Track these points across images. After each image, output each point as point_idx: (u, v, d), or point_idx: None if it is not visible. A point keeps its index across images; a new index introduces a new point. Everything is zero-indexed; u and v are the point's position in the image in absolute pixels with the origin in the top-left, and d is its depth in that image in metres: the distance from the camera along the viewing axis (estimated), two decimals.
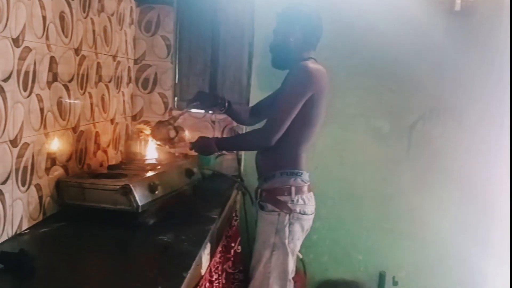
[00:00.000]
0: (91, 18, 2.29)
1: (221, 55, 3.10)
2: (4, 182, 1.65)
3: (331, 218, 3.06)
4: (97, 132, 2.45)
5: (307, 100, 2.10)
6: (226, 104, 2.42)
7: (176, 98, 3.10)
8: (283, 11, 2.24)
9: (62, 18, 2.00)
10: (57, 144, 2.02)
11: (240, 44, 3.09)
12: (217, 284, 2.12)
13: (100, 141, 2.50)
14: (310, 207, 2.22)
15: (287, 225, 2.16)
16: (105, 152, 2.59)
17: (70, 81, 2.11)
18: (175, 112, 2.64)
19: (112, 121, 2.67)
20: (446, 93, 2.97)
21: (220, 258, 2.29)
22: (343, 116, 3.03)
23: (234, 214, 2.76)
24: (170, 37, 3.02)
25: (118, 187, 1.97)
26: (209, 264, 1.95)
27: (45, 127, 1.91)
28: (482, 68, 2.91)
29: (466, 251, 2.95)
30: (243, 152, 3.01)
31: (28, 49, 1.76)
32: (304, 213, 2.18)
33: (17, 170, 1.73)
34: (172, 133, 2.40)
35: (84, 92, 2.27)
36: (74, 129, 2.18)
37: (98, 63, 2.42)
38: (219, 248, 2.26)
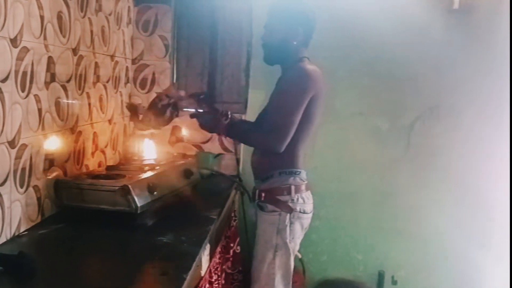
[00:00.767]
0: (89, 18, 2.28)
1: (219, 54, 3.09)
2: (2, 184, 1.64)
3: (330, 218, 3.05)
4: (95, 133, 2.44)
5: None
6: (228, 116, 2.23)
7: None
8: (275, 5, 2.17)
9: (60, 18, 1.99)
10: (55, 145, 2.01)
11: (238, 44, 3.08)
12: (216, 285, 2.11)
13: (98, 141, 2.49)
14: (309, 206, 2.22)
15: (288, 225, 2.14)
16: (103, 152, 2.58)
17: (68, 81, 2.10)
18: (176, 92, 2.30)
19: (110, 121, 2.66)
20: (444, 91, 2.97)
21: (219, 258, 2.28)
22: (341, 115, 3.02)
23: (233, 214, 2.75)
24: (168, 36, 3.00)
25: (117, 188, 1.96)
26: (209, 265, 1.95)
27: (43, 128, 1.90)
28: (481, 66, 2.91)
29: (465, 250, 2.95)
30: (241, 152, 3.00)
31: (26, 49, 1.74)
32: (304, 212, 2.18)
33: (15, 171, 1.71)
34: (168, 112, 2.22)
35: (82, 93, 2.26)
36: (72, 129, 2.17)
37: (96, 63, 2.40)
38: (218, 249, 2.26)
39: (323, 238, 3.09)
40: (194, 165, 2.60)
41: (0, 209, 1.63)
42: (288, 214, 2.14)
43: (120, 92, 2.81)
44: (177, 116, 2.31)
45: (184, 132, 3.06)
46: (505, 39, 2.80)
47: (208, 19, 3.06)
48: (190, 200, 2.38)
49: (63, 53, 2.04)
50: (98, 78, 2.44)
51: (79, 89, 2.22)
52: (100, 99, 2.49)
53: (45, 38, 1.88)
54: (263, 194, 2.21)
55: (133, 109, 2.28)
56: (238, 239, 2.74)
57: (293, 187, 2.16)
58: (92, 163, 2.41)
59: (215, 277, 2.08)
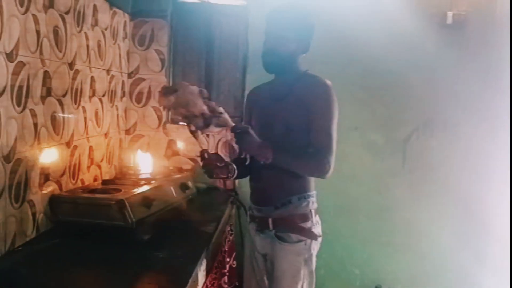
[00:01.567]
0: (85, 33, 2.29)
1: (216, 69, 3.11)
2: None
3: (328, 232, 3.00)
4: (90, 147, 2.43)
5: None
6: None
7: (170, 112, 3.09)
8: (276, 10, 1.96)
9: (56, 32, 1.99)
10: (50, 160, 2.00)
11: (234, 58, 3.09)
12: None
13: (94, 155, 2.48)
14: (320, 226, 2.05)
15: (314, 252, 1.97)
16: (99, 166, 2.56)
17: (64, 95, 2.10)
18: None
19: (106, 135, 2.65)
20: (439, 105, 2.99)
21: (215, 273, 2.26)
22: (337, 129, 3.02)
23: (229, 229, 2.73)
24: (164, 51, 3.01)
25: (112, 202, 1.95)
26: (205, 280, 1.93)
27: (38, 142, 1.89)
28: (475, 80, 2.92)
29: (463, 264, 2.94)
30: None
31: (21, 64, 1.74)
32: (319, 235, 2.01)
33: (10, 186, 1.70)
34: (202, 108, 1.81)
35: (78, 107, 2.25)
36: (68, 144, 2.16)
37: (92, 77, 2.40)
38: (215, 264, 2.24)
39: (320, 252, 3.02)
40: (190, 179, 2.59)
41: None
42: (313, 241, 1.96)
43: (116, 106, 2.81)
44: (203, 130, 1.94)
45: (180, 145, 3.05)
46: (499, 53, 2.83)
47: (204, 33, 3.08)
48: (187, 214, 2.37)
49: (59, 68, 2.04)
50: (94, 92, 2.44)
51: (75, 103, 2.22)
52: (96, 113, 2.49)
53: (41, 53, 1.88)
54: (280, 223, 1.95)
55: (169, 93, 1.87)
56: (234, 254, 2.72)
57: (312, 211, 1.97)
58: (87, 177, 2.40)
59: None
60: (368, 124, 3.04)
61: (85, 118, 2.34)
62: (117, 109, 2.82)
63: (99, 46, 2.47)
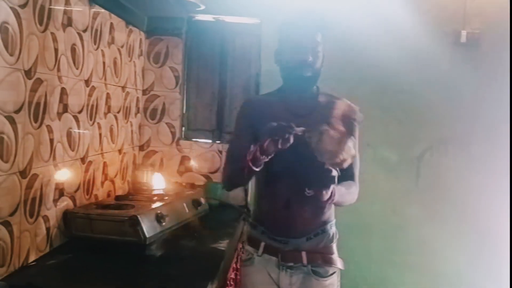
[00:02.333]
0: (101, 50, 2.33)
1: (229, 86, 3.13)
2: (12, 214, 1.64)
3: (340, 250, 2.99)
4: (105, 163, 2.45)
5: None
6: None
7: (183, 128, 3.11)
8: (304, 17, 1.74)
9: (73, 50, 2.03)
10: (65, 175, 2.02)
11: (247, 75, 3.12)
12: None
13: (108, 171, 2.50)
14: None
15: (340, 282, 1.88)
16: (113, 182, 2.58)
17: (80, 112, 2.13)
18: None
19: (120, 151, 2.68)
20: (454, 124, 2.97)
21: None
22: None
23: (241, 246, 2.72)
24: (178, 68, 3.05)
25: (126, 218, 1.96)
26: None
27: (54, 158, 1.91)
28: (489, 99, 2.91)
29: (477, 283, 2.90)
30: (250, 183, 2.99)
31: (39, 81, 1.77)
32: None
33: (25, 201, 1.72)
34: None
35: (93, 123, 2.28)
36: (83, 159, 2.19)
37: (108, 93, 2.44)
38: (227, 281, 2.23)
39: None
40: (202, 196, 2.60)
41: (10, 239, 1.63)
42: (339, 270, 1.85)
43: (131, 122, 2.84)
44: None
45: (193, 162, 3.07)
46: None
47: (217, 51, 3.11)
48: (199, 231, 2.37)
49: (75, 84, 2.07)
50: (109, 109, 2.47)
51: (91, 120, 2.25)
52: (111, 130, 2.51)
53: (58, 70, 1.91)
54: (316, 256, 1.78)
55: None
56: None
57: (335, 238, 1.86)
58: (101, 193, 2.42)
59: None
60: (381, 142, 3.03)
61: (100, 134, 2.37)
62: (131, 125, 2.85)
63: (115, 63, 2.51)
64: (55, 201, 1.95)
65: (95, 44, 2.25)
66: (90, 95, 2.22)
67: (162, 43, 3.03)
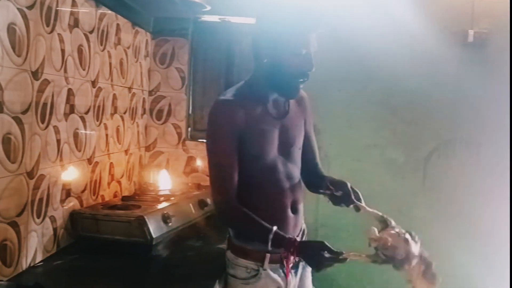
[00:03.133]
0: (108, 51, 2.33)
1: None
2: (19, 214, 1.65)
3: (346, 251, 3.00)
4: (111, 163, 2.46)
5: None
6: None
7: (189, 129, 3.11)
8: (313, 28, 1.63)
9: (80, 51, 2.04)
10: (72, 176, 2.03)
11: None
12: None
13: (114, 172, 2.51)
14: None
15: None
16: (119, 183, 2.59)
17: (86, 112, 2.14)
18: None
19: (126, 151, 2.68)
20: (461, 124, 2.95)
21: None
22: (357, 147, 3.00)
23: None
24: (184, 69, 3.05)
25: (132, 218, 1.97)
26: None
27: (61, 158, 1.92)
28: (497, 99, 2.88)
29: (484, 285, 2.87)
30: None
31: (46, 82, 1.78)
32: None
33: (32, 202, 1.73)
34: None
35: (100, 124, 2.29)
36: (89, 160, 2.19)
37: (114, 94, 2.44)
38: None
39: (339, 271, 3.02)
40: (208, 196, 2.60)
41: (17, 239, 1.64)
42: None
43: (137, 123, 2.84)
44: None
45: (199, 162, 3.07)
46: None
47: (224, 52, 3.11)
48: (205, 231, 2.37)
49: (82, 85, 2.08)
50: (115, 110, 2.48)
51: (97, 120, 2.26)
52: (117, 130, 2.52)
53: (65, 71, 1.92)
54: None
55: None
56: None
57: None
58: (108, 193, 2.43)
59: None
60: (387, 142, 3.01)
61: (107, 135, 2.38)
62: (137, 126, 2.86)
63: (121, 64, 2.52)
64: (62, 201, 1.96)
65: (101, 45, 2.26)
66: (96, 96, 2.23)
67: (168, 44, 3.04)
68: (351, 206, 1.76)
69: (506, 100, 2.87)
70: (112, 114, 2.43)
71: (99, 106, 2.26)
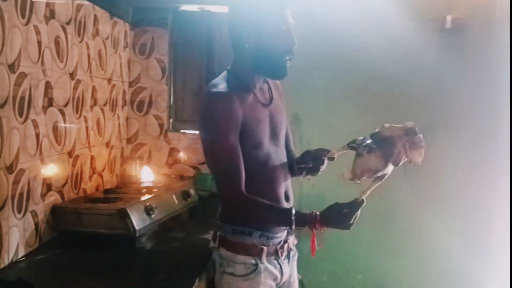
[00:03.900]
0: (86, 42, 2.30)
1: (216, 75, 3.09)
2: (0, 210, 1.63)
3: (329, 238, 2.99)
4: (92, 156, 2.44)
5: None
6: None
7: (171, 120, 3.10)
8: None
9: (57, 43, 2.01)
10: (52, 169, 2.01)
11: None
12: None
13: (96, 165, 2.49)
14: None
15: None
16: (101, 176, 2.57)
17: (65, 105, 2.11)
18: None
19: (107, 144, 2.66)
20: (440, 109, 2.98)
21: None
22: (339, 134, 3.01)
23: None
24: (164, 59, 3.02)
25: (114, 211, 1.96)
26: None
27: (40, 152, 1.89)
28: (476, 84, 2.92)
29: (466, 268, 2.93)
30: None
31: (23, 75, 1.75)
32: None
33: (13, 196, 1.71)
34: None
35: (79, 116, 2.26)
36: (70, 153, 2.17)
37: (93, 86, 2.42)
38: None
39: (323, 258, 3.06)
40: (192, 187, 2.60)
41: None
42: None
43: (118, 115, 2.82)
44: None
45: (181, 153, 3.06)
46: (499, 55, 2.83)
47: (204, 41, 3.09)
48: (189, 223, 2.37)
49: (60, 78, 2.05)
50: (95, 102, 2.45)
51: (77, 113, 2.23)
52: (98, 123, 2.49)
53: (42, 63, 1.89)
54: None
55: None
56: None
57: None
58: (89, 187, 2.41)
59: None
60: (370, 128, 3.02)
61: (87, 128, 2.35)
62: (118, 118, 2.83)
63: (100, 55, 2.48)
64: (43, 196, 1.94)
65: (79, 36, 2.22)
66: (75, 88, 2.20)
67: (147, 34, 3.01)
68: (326, 160, 1.79)
69: (483, 85, 2.92)
70: (92, 107, 2.40)
71: (78, 99, 2.23)
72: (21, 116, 1.75)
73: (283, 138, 1.76)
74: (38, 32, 1.85)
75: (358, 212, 1.57)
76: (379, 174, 1.61)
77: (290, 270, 1.76)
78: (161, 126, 3.06)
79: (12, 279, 1.48)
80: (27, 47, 1.77)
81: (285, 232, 1.70)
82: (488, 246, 2.97)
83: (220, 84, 1.59)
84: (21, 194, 1.76)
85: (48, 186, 1.98)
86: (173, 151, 3.06)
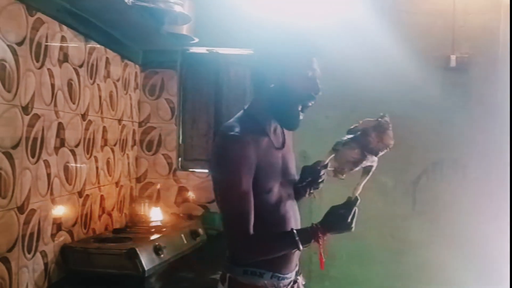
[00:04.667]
0: (97, 84, 2.36)
1: (225, 114, 3.15)
2: (10, 250, 1.64)
3: (340, 278, 2.99)
4: (102, 196, 2.45)
5: None
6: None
7: (180, 159, 3.12)
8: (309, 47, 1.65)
9: (70, 85, 2.06)
10: (63, 209, 2.02)
11: (242, 104, 3.10)
12: None
13: (105, 204, 2.50)
14: None
15: None
16: (110, 215, 2.58)
17: (76, 145, 2.14)
18: None
19: (117, 184, 2.68)
20: (447, 146, 2.99)
21: None
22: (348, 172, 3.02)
23: None
24: (174, 99, 3.08)
25: (123, 251, 1.96)
26: None
27: (51, 192, 1.91)
28: (481, 121, 2.94)
29: None
30: None
31: (36, 117, 1.79)
32: None
33: (23, 237, 1.72)
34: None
35: (90, 156, 2.29)
36: (80, 193, 2.19)
37: (104, 127, 2.46)
38: None
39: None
40: (200, 226, 2.59)
41: (8, 275, 1.62)
42: None
43: (127, 154, 2.85)
44: None
45: (190, 192, 3.07)
46: (502, 93, 2.86)
47: (212, 82, 3.15)
48: (198, 262, 2.35)
49: (72, 119, 2.09)
50: (105, 142, 2.48)
51: (87, 153, 2.26)
52: (108, 162, 2.52)
53: (55, 105, 1.93)
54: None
55: None
56: None
57: None
58: (99, 226, 2.41)
59: None
60: (377, 167, 3.03)
61: (97, 168, 2.38)
62: (128, 157, 2.86)
63: (111, 97, 2.54)
64: (53, 236, 1.94)
65: (91, 78, 2.28)
66: (86, 129, 2.24)
67: (157, 76, 3.07)
68: (322, 171, 1.74)
69: (488, 121, 2.93)
70: (102, 147, 2.44)
71: (89, 139, 2.27)
72: (33, 156, 1.77)
73: (294, 179, 1.74)
74: (51, 75, 1.90)
75: (356, 211, 1.58)
76: (361, 165, 1.63)
77: None
78: (170, 165, 3.08)
79: None
80: (40, 90, 1.82)
81: (294, 272, 1.67)
82: (501, 282, 2.91)
83: (236, 126, 1.55)
84: (31, 234, 1.77)
85: (58, 226, 1.98)
86: (181, 190, 3.07)
